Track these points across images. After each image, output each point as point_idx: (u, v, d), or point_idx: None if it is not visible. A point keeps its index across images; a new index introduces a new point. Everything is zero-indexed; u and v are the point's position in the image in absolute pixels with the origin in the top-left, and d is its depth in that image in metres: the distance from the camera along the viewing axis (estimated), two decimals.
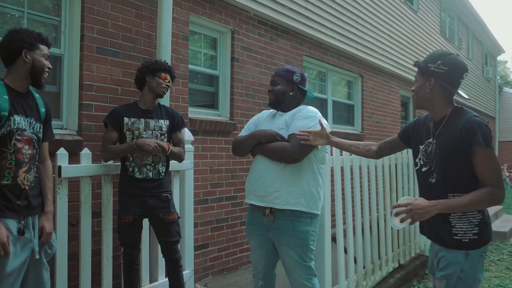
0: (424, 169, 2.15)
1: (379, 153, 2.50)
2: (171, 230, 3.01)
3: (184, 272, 3.61)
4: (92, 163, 2.96)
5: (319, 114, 2.59)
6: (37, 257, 2.27)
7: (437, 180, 2.07)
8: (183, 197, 3.74)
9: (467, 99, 2.22)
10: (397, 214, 1.97)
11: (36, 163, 2.31)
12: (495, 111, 18.85)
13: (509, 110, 25.05)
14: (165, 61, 3.17)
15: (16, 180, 2.17)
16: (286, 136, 2.52)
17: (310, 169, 2.52)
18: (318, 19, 6.02)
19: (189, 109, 4.21)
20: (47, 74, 2.31)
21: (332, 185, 3.42)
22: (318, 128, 2.45)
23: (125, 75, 3.59)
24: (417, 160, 2.22)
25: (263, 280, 2.78)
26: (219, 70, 4.74)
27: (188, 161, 3.72)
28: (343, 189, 3.59)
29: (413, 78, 2.50)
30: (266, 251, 2.69)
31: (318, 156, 2.55)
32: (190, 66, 4.29)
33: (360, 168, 3.86)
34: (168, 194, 3.05)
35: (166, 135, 3.03)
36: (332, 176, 3.43)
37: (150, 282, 3.40)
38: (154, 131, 2.98)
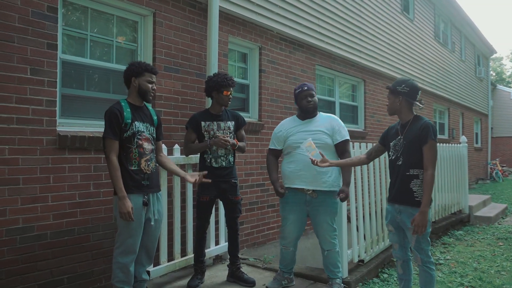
0: (393, 157, 3.25)
1: (369, 158, 3.58)
2: (236, 208, 3.98)
3: (226, 244, 4.63)
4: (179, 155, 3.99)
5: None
6: (152, 223, 3.26)
7: (402, 162, 3.15)
8: None
9: (422, 107, 3.25)
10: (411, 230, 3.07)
11: (154, 155, 3.29)
12: (488, 109, 19.82)
13: (502, 107, 26.07)
14: (226, 75, 3.92)
15: (140, 167, 3.16)
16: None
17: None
18: (327, 33, 7.00)
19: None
20: (152, 93, 3.28)
21: None
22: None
23: (183, 87, 4.58)
24: (390, 153, 3.30)
25: (293, 247, 3.84)
26: (249, 80, 5.73)
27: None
28: (355, 177, 4.57)
29: None
30: (301, 222, 3.76)
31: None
32: None
33: None
34: (236, 180, 3.99)
35: (233, 132, 3.99)
36: None
37: (216, 245, 4.51)
38: (224, 131, 3.91)
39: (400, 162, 3.18)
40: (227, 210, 4.00)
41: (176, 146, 4.05)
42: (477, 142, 18.08)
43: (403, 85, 3.17)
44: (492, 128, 24.28)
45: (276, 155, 3.91)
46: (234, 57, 5.56)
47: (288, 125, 3.84)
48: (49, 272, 3.42)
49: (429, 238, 3.14)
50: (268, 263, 4.62)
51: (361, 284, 4.11)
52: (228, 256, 4.14)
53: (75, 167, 3.61)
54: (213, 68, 4.68)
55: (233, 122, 4.00)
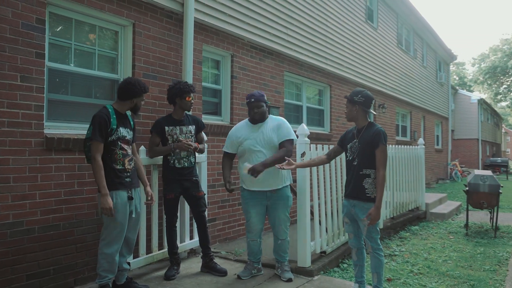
0: (350, 158, 3.74)
1: (329, 158, 4.09)
2: (200, 203, 4.38)
3: (197, 239, 4.97)
4: (145, 157, 4.31)
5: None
6: (134, 215, 3.62)
7: (357, 163, 3.63)
8: (200, 181, 5.11)
9: (375, 114, 3.78)
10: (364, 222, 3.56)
11: (132, 156, 3.66)
12: (448, 112, 20.85)
13: (463, 111, 27.39)
14: (186, 82, 4.33)
15: (124, 166, 3.52)
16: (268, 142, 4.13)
17: None
18: (295, 41, 7.46)
19: (203, 116, 5.56)
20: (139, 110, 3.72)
21: (311, 171, 4.84)
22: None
23: (160, 92, 4.92)
24: (347, 154, 3.79)
25: (259, 238, 4.32)
26: (221, 85, 6.12)
27: (203, 155, 5.10)
28: (317, 176, 5.02)
29: (374, 86, 4.38)
30: (262, 215, 4.26)
31: None
32: (202, 83, 5.64)
33: None
34: (197, 178, 4.42)
35: (194, 136, 4.39)
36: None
37: (190, 239, 4.93)
38: (186, 134, 4.32)
39: (355, 163, 3.66)
40: (192, 205, 4.38)
41: (142, 148, 4.34)
42: (438, 144, 19.02)
43: (359, 95, 3.65)
44: (453, 130, 25.52)
45: (230, 157, 4.40)
46: (207, 64, 5.93)
47: (241, 131, 4.26)
48: (36, 264, 3.70)
49: (378, 228, 3.62)
50: (239, 256, 5.01)
51: (322, 272, 4.55)
52: (201, 250, 4.52)
53: (61, 167, 3.90)
54: (188, 74, 5.05)
55: (194, 126, 4.43)
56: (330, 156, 4.03)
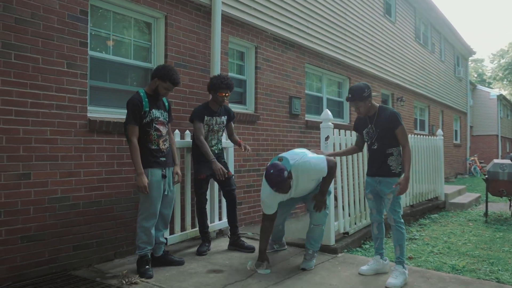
0: (369, 142, 3.93)
1: (359, 147, 4.27)
2: (230, 182, 4.64)
3: (225, 220, 5.24)
4: (179, 140, 4.60)
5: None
6: (166, 193, 3.89)
7: (377, 146, 3.83)
8: (227, 166, 5.37)
9: (376, 95, 3.96)
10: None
11: (168, 136, 3.93)
12: (467, 108, 20.76)
13: (482, 107, 27.17)
14: (224, 78, 4.53)
15: (159, 146, 3.79)
16: None
17: None
18: (316, 34, 7.68)
19: (229, 104, 5.82)
20: (164, 95, 3.94)
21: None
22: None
23: (190, 81, 5.19)
24: (365, 139, 3.97)
25: (281, 226, 4.45)
26: (246, 76, 6.37)
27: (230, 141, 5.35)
28: (340, 164, 5.23)
29: (392, 79, 4.47)
30: (288, 208, 4.36)
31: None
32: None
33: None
34: (225, 160, 4.72)
35: (225, 125, 4.68)
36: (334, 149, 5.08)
37: (219, 220, 5.18)
38: (219, 125, 4.61)
39: (375, 147, 3.86)
40: (222, 185, 4.64)
41: (187, 132, 4.70)
42: (456, 139, 18.98)
43: (366, 90, 3.78)
44: (472, 126, 25.35)
45: None
46: (233, 55, 6.19)
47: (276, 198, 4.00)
48: (81, 236, 4.00)
49: (400, 203, 3.82)
50: None
51: (346, 250, 4.77)
52: (229, 228, 4.77)
53: (102, 148, 4.20)
54: (216, 65, 5.31)
55: (226, 116, 4.71)
56: (359, 144, 4.24)
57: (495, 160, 7.49)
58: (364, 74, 9.77)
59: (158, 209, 3.84)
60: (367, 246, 5.18)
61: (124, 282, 3.50)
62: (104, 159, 4.21)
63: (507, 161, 7.27)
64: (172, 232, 4.55)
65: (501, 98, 27.97)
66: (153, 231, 3.85)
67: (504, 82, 43.11)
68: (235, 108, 6.05)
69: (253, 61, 6.38)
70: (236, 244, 4.69)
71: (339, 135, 5.12)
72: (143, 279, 3.61)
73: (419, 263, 4.51)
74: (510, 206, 7.37)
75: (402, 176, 3.75)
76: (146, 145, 3.77)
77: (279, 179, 3.66)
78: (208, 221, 4.89)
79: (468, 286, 3.67)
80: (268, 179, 3.73)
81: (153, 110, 3.82)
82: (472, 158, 20.20)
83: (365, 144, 4.10)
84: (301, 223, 6.65)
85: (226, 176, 4.50)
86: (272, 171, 3.68)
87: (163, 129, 3.90)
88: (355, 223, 5.44)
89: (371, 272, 3.93)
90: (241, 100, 6.33)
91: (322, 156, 4.05)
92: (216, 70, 5.28)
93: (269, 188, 3.79)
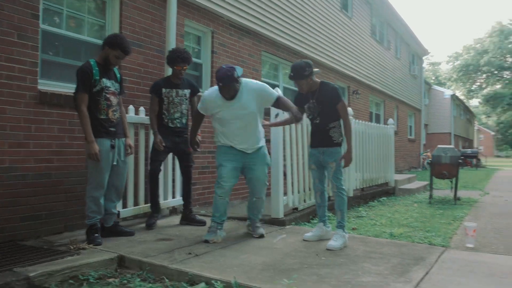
0: (311, 117, 4.12)
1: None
2: (189, 158, 4.76)
3: (179, 198, 5.37)
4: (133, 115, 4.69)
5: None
6: (115, 163, 3.95)
7: (320, 121, 4.04)
8: None
9: (318, 71, 4.08)
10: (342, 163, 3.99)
11: (119, 107, 4.01)
12: (421, 105, 21.61)
13: (437, 105, 28.31)
14: (182, 52, 4.60)
15: (108, 116, 3.86)
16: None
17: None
18: (272, 23, 7.90)
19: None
20: (115, 64, 3.98)
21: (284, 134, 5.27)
22: None
23: (145, 60, 5.28)
24: (307, 113, 4.14)
25: (228, 197, 4.13)
26: (202, 60, 6.51)
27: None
28: (290, 137, 5.45)
29: (348, 72, 4.82)
30: (237, 173, 4.14)
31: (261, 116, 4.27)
32: None
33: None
34: (187, 136, 4.74)
35: (188, 99, 4.74)
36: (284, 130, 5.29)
37: (172, 197, 5.26)
38: (181, 97, 4.66)
39: (317, 121, 4.08)
40: (181, 160, 4.76)
41: (142, 108, 4.82)
42: (411, 134, 19.75)
43: (307, 68, 3.89)
44: (427, 124, 26.39)
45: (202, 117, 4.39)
46: (189, 39, 6.31)
47: (216, 102, 4.06)
48: (30, 208, 4.03)
49: (342, 170, 4.07)
50: None
51: (294, 223, 5.00)
52: (183, 204, 4.88)
53: (53, 121, 4.23)
54: (171, 46, 5.41)
55: (189, 90, 4.78)
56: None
57: (439, 146, 7.95)
58: (321, 66, 10.07)
59: (106, 179, 3.90)
60: (315, 221, 5.42)
61: (71, 248, 3.56)
62: (54, 132, 4.25)
63: (451, 146, 7.72)
64: (125, 206, 4.64)
65: (454, 98, 29.25)
66: (102, 201, 3.92)
67: (459, 84, 45.05)
68: None
69: (209, 46, 6.52)
70: (187, 219, 4.81)
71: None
72: (91, 245, 3.68)
73: (361, 232, 4.79)
74: (451, 188, 7.83)
75: (344, 149, 4.03)
76: (95, 115, 3.80)
77: (229, 73, 3.82)
78: (161, 198, 5.00)
79: (402, 247, 3.96)
80: (217, 73, 3.90)
81: (103, 79, 3.86)
82: (426, 153, 21.06)
83: (307, 118, 4.28)
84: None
85: (162, 149, 4.52)
86: (224, 66, 3.92)
87: (114, 99, 3.95)
88: (305, 201, 5.67)
89: (315, 238, 4.16)
90: (198, 84, 6.44)
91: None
92: None
93: (215, 88, 4.03)
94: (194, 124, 4.45)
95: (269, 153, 4.94)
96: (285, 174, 5.33)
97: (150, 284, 2.97)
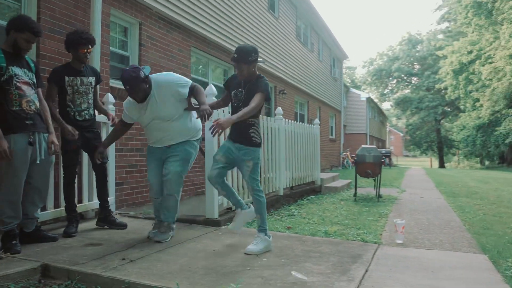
0: (235, 105, 3.74)
1: (225, 103, 4.06)
2: (103, 154, 4.35)
3: (109, 198, 5.02)
4: None
5: None
6: (38, 162, 3.52)
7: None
8: None
9: (262, 61, 3.99)
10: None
11: (37, 99, 3.57)
12: (341, 106, 22.57)
13: (354, 107, 29.80)
14: (83, 32, 4.07)
15: (22, 107, 3.40)
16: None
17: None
18: (202, 18, 7.70)
19: (110, 80, 5.55)
20: (26, 51, 3.52)
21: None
22: None
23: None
24: (232, 101, 3.79)
25: (161, 196, 3.94)
26: (129, 52, 6.14)
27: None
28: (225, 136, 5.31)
29: (275, 72, 4.27)
30: (159, 172, 3.94)
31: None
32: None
33: None
34: (98, 130, 4.40)
35: (93, 87, 4.29)
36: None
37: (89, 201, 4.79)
38: (86, 86, 4.17)
39: (242, 108, 3.68)
40: (93, 157, 4.24)
41: None
42: (332, 134, 20.54)
43: (253, 54, 3.57)
44: (345, 125, 27.66)
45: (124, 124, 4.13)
46: (115, 29, 5.92)
47: (133, 110, 3.91)
48: None
49: (259, 171, 3.87)
50: (147, 214, 5.12)
51: (229, 223, 4.85)
52: (99, 203, 4.44)
53: None
54: (96, 35, 5.03)
55: (94, 77, 4.32)
56: (226, 101, 4.07)
57: (363, 146, 8.27)
58: None
59: (22, 180, 3.45)
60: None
61: None
62: None
63: (373, 146, 8.06)
64: (44, 208, 4.17)
65: (369, 100, 31.00)
66: (19, 204, 3.49)
67: (373, 87, 47.85)
68: (117, 84, 5.79)
69: (137, 38, 6.17)
70: (107, 221, 4.40)
71: (223, 112, 5.20)
72: (8, 254, 3.26)
73: (296, 231, 4.78)
74: (375, 186, 8.18)
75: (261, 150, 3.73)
76: (6, 106, 3.32)
77: (134, 75, 3.56)
78: (86, 199, 4.61)
79: (338, 245, 4.00)
80: (121, 77, 3.63)
81: (12, 67, 3.38)
82: (345, 152, 22.04)
83: (231, 105, 3.91)
84: (186, 206, 6.60)
85: (77, 144, 4.11)
86: (127, 68, 3.65)
87: (27, 90, 3.46)
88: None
89: (240, 225, 3.99)
90: None
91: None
92: (96, 41, 4.99)
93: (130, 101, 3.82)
94: (113, 132, 4.14)
95: (203, 152, 4.77)
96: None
97: None
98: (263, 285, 2.78)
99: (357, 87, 49.94)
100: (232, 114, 3.82)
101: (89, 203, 4.75)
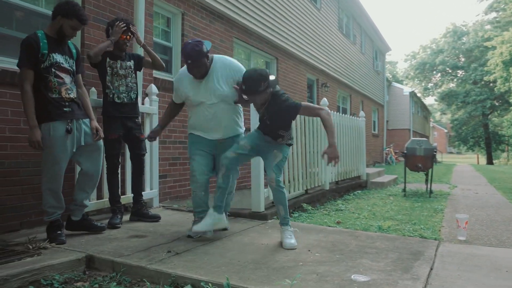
0: (260, 115, 3.51)
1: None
2: (141, 146, 4.28)
3: (153, 191, 4.93)
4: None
5: None
6: (83, 143, 3.41)
7: (270, 123, 3.41)
8: None
9: (274, 80, 3.37)
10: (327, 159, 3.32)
11: (75, 87, 3.48)
12: (384, 100, 21.89)
13: (396, 102, 28.87)
14: (126, 19, 4.13)
15: (61, 95, 3.32)
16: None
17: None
18: (245, 9, 7.52)
19: (153, 71, 5.46)
20: (70, 38, 3.45)
21: None
22: None
23: None
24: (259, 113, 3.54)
25: (204, 192, 3.67)
26: (172, 43, 6.04)
27: (155, 107, 5.04)
28: None
29: (318, 65, 4.04)
30: (207, 165, 3.68)
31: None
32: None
33: None
34: (139, 120, 4.29)
35: (134, 71, 4.23)
36: None
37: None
38: (126, 70, 4.13)
39: (268, 122, 3.43)
40: (132, 147, 4.22)
41: (93, 89, 4.29)
42: (374, 129, 19.94)
43: (262, 84, 3.22)
44: (387, 121, 26.84)
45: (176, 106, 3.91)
46: (158, 19, 5.83)
47: (185, 84, 3.65)
48: None
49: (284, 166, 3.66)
50: (191, 207, 4.98)
51: (276, 217, 4.66)
52: (154, 204, 4.39)
53: (5, 102, 3.68)
54: (140, 24, 4.93)
55: (133, 62, 4.24)
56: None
57: (413, 138, 7.85)
58: (291, 57, 9.80)
59: (63, 169, 3.36)
60: (296, 214, 5.13)
61: (30, 247, 3.06)
62: (8, 115, 3.70)
63: (424, 139, 7.64)
64: None
65: (412, 94, 29.92)
66: (60, 193, 3.41)
67: (415, 81, 46.28)
68: (160, 75, 5.72)
69: (179, 28, 6.06)
70: (140, 214, 4.28)
71: None
72: (53, 244, 3.19)
73: (347, 226, 4.52)
74: (426, 180, 7.75)
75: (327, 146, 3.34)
76: (45, 94, 3.24)
77: (197, 48, 3.34)
78: (130, 191, 4.53)
79: (395, 241, 3.71)
80: (183, 50, 3.41)
81: (53, 54, 3.29)
82: (388, 148, 21.36)
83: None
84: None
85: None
86: (190, 41, 3.43)
87: (66, 78, 3.37)
88: (289, 191, 5.34)
89: (210, 226, 3.54)
90: (167, 68, 5.98)
91: None
92: (140, 30, 4.91)
93: (183, 69, 3.61)
94: (165, 115, 3.93)
95: None
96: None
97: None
98: (319, 282, 2.56)
99: (399, 82, 48.54)
100: (260, 120, 3.57)
101: (132, 195, 4.65)
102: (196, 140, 3.70)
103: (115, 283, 2.60)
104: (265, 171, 3.81)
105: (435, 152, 7.39)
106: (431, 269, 2.92)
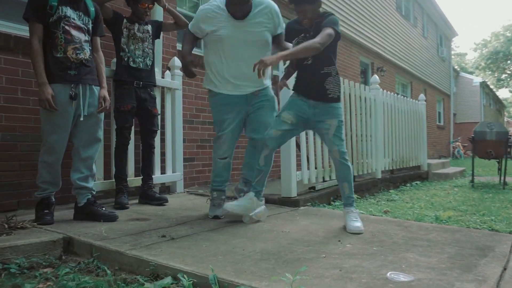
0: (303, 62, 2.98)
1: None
2: (154, 122, 3.80)
3: (175, 174, 4.44)
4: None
5: None
6: (81, 119, 2.94)
7: (312, 62, 2.92)
8: (174, 112, 4.54)
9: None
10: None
11: (89, 49, 3.02)
12: (450, 90, 20.23)
13: (465, 94, 26.74)
14: None
15: (66, 54, 2.87)
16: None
17: None
18: None
19: (177, 43, 4.97)
20: None
21: None
22: None
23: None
24: None
25: (230, 157, 3.32)
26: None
27: (178, 82, 4.53)
28: None
29: (372, 47, 3.37)
30: (239, 126, 3.27)
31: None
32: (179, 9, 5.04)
33: None
34: (154, 92, 3.85)
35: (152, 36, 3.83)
36: None
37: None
38: (144, 34, 3.74)
39: (309, 62, 2.94)
40: (144, 122, 3.78)
41: (115, 60, 3.80)
42: (440, 121, 18.42)
43: None
44: (455, 114, 24.89)
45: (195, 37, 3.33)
46: None
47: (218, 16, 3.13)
48: None
49: (343, 131, 3.04)
50: None
51: (310, 204, 3.99)
52: (177, 189, 3.94)
53: (0, 68, 3.31)
54: None
55: (151, 26, 3.85)
56: (292, 64, 3.24)
57: (483, 121, 6.79)
58: (342, 37, 8.97)
59: (63, 140, 2.92)
60: (337, 203, 4.41)
61: (6, 226, 2.62)
62: (2, 83, 3.33)
63: (495, 122, 6.57)
64: None
65: (484, 85, 27.59)
66: (59, 169, 2.97)
67: (487, 72, 42.96)
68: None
69: None
70: (146, 196, 3.82)
71: None
72: (35, 223, 2.75)
73: (396, 215, 3.75)
74: (498, 170, 6.67)
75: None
76: (50, 52, 2.83)
77: None
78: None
79: (455, 233, 2.90)
80: None
81: (63, 7, 2.86)
82: (456, 142, 19.69)
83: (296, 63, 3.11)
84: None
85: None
86: None
87: (77, 35, 2.92)
88: (324, 178, 4.66)
89: (241, 208, 3.04)
90: (198, 43, 5.46)
91: None
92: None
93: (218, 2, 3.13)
94: (185, 45, 3.27)
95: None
96: (298, 145, 4.32)
97: (87, 278, 2.00)
98: (339, 280, 1.87)
99: (468, 73, 45.30)
100: (300, 71, 3.07)
101: (155, 176, 4.17)
102: (223, 101, 3.23)
103: (79, 275, 2.06)
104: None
105: (511, 137, 6.31)
106: (505, 269, 2.13)
